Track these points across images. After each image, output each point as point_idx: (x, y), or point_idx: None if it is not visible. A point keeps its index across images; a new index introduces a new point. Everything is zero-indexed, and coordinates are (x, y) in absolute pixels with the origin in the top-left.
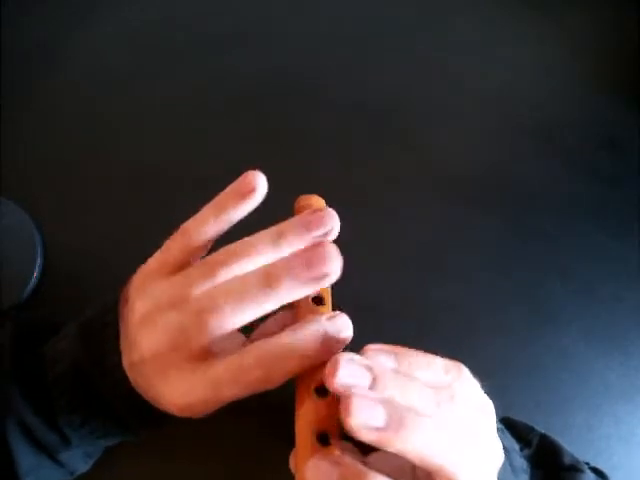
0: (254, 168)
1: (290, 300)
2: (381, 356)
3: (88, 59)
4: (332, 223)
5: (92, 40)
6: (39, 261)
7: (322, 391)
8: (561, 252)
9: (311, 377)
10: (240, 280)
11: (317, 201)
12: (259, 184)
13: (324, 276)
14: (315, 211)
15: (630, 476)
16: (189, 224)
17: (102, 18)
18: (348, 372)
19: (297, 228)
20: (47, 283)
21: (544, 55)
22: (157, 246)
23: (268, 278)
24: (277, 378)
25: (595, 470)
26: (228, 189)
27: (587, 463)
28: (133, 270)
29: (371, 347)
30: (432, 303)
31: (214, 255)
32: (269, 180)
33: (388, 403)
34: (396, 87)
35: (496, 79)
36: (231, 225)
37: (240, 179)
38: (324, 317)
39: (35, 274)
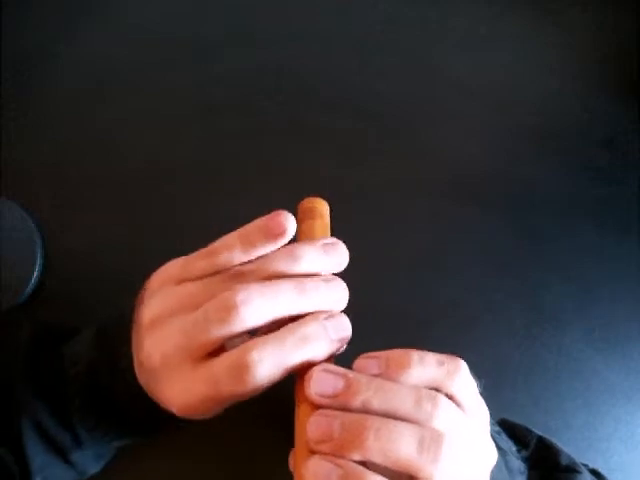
0: (252, 167)
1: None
2: (367, 362)
3: (88, 59)
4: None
5: (92, 40)
6: (39, 261)
7: None
8: (561, 252)
9: None
10: (274, 283)
11: (320, 203)
12: (290, 227)
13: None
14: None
15: (630, 476)
16: (217, 248)
17: (102, 18)
18: (321, 381)
19: (314, 253)
20: (47, 283)
21: (544, 55)
22: (157, 247)
23: (300, 285)
24: (276, 376)
25: (593, 472)
26: (258, 225)
27: (586, 464)
28: (133, 270)
29: (362, 355)
30: (432, 303)
31: (237, 268)
32: (269, 179)
33: (347, 416)
34: (396, 87)
35: (496, 79)
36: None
37: (271, 218)
38: (322, 316)
39: (35, 274)
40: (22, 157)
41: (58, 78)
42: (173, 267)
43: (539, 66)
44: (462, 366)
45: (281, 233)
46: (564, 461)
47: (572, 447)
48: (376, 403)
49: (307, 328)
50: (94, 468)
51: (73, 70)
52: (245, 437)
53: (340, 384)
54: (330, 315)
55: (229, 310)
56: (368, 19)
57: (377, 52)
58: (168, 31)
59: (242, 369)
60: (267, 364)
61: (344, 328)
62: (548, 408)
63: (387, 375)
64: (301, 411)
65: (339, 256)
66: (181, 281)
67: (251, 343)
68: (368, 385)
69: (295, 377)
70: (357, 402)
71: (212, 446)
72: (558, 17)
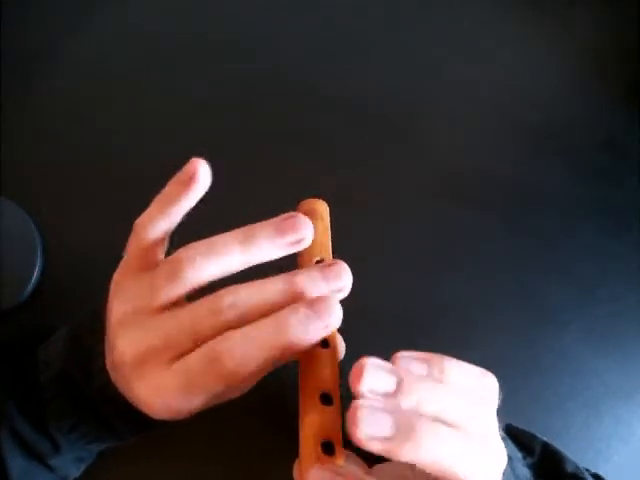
0: (253, 167)
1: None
2: (412, 363)
3: (88, 59)
4: (305, 231)
5: (92, 40)
6: (39, 261)
7: (327, 398)
8: (561, 252)
9: (316, 384)
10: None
11: (320, 205)
12: (200, 171)
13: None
14: (290, 217)
15: (630, 476)
16: (137, 222)
17: (102, 18)
18: (373, 377)
19: (269, 231)
20: (47, 283)
21: (544, 55)
22: None
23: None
24: (251, 368)
25: (596, 477)
26: (170, 181)
27: (587, 469)
28: None
29: (402, 354)
30: (432, 303)
31: (179, 253)
32: (268, 180)
33: (399, 413)
34: (396, 87)
35: (496, 79)
36: (180, 217)
37: (182, 169)
38: (303, 301)
39: (35, 274)
40: (22, 157)
41: (58, 78)
42: (121, 261)
43: (539, 66)
44: (496, 384)
45: (191, 178)
46: (569, 468)
47: (572, 447)
48: (427, 406)
49: (283, 317)
50: (74, 472)
51: (73, 70)
52: (242, 438)
53: (392, 384)
54: (312, 300)
55: (217, 314)
56: (368, 19)
57: (377, 53)
58: (168, 31)
59: (214, 357)
60: (239, 351)
61: (325, 313)
62: (548, 408)
63: (431, 378)
64: (306, 418)
65: (296, 230)
66: (133, 272)
67: (224, 335)
68: (420, 386)
69: (300, 383)
70: (411, 402)
71: (206, 448)
72: (558, 17)
